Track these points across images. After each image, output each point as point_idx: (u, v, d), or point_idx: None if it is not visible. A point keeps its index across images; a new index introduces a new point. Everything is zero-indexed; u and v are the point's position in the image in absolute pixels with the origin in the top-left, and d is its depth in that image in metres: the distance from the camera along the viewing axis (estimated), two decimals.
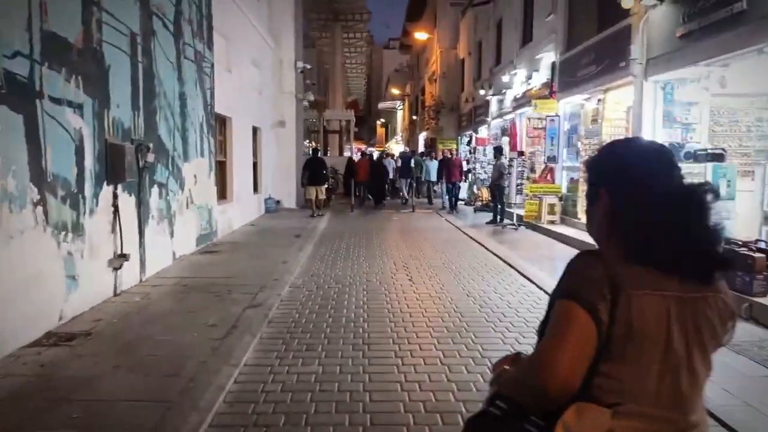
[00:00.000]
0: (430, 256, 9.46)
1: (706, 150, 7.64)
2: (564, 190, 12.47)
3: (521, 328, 5.41)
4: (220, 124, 11.76)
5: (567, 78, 12.01)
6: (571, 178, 12.30)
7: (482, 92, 19.61)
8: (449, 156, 18.13)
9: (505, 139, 16.76)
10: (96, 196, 5.93)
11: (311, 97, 17.83)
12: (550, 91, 13.02)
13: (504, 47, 17.87)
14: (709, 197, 1.30)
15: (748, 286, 5.59)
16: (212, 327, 5.14)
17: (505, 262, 8.84)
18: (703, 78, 7.95)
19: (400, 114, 51.30)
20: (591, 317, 1.22)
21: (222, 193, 11.90)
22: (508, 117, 17.06)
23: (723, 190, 7.43)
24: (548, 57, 13.41)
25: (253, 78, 14.35)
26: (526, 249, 10.00)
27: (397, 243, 10.98)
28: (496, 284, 7.33)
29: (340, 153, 25.71)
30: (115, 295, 6.26)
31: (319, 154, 16.60)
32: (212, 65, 10.34)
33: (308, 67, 17.30)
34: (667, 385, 1.27)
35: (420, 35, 28.16)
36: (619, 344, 1.25)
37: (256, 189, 15.07)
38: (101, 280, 6.03)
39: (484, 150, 18.19)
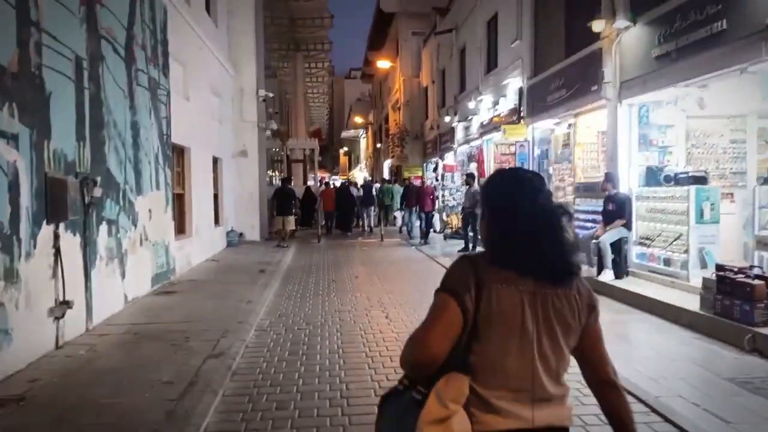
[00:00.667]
0: (405, 289, 8.96)
1: (687, 173, 7.43)
2: None
3: None
4: (177, 155, 11.12)
5: (536, 103, 11.85)
6: None
7: (447, 119, 19.45)
8: (419, 184, 17.62)
9: (473, 165, 16.53)
10: (33, 237, 5.25)
11: (274, 126, 17.32)
12: (518, 116, 12.84)
13: (468, 74, 17.80)
14: (564, 218, 1.64)
15: (748, 316, 5.27)
16: (167, 384, 4.50)
17: None
18: (680, 99, 7.79)
19: (363, 142, 51.20)
20: (457, 304, 1.56)
21: (180, 228, 11.19)
22: (475, 143, 16.87)
23: (707, 214, 7.21)
24: (515, 83, 13.29)
25: (212, 106, 13.78)
26: None
27: (369, 275, 10.45)
28: None
29: (305, 182, 25.17)
30: (57, 348, 5.54)
31: (290, 184, 16.02)
32: (168, 93, 9.76)
33: (270, 95, 16.83)
34: (521, 361, 1.58)
35: (382, 63, 28.09)
36: (484, 327, 1.57)
37: (217, 222, 14.37)
38: (40, 332, 5.32)
39: (452, 176, 17.94)
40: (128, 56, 7.96)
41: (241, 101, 16.51)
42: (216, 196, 14.50)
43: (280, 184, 16.90)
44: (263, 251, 13.89)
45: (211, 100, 13.61)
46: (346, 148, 63.37)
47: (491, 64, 15.59)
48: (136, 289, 8.06)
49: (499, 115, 14.24)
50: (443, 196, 18.96)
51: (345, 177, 51.58)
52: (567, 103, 10.24)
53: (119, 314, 7.11)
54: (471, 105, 16.36)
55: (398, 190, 19.97)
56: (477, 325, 1.57)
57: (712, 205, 7.20)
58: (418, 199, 16.20)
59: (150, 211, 8.72)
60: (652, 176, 8.05)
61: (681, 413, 3.89)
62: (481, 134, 15.95)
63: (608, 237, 7.96)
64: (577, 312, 1.65)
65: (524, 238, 1.59)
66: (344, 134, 53.25)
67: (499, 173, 1.82)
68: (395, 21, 28.57)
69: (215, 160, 14.25)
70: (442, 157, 21.65)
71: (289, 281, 9.80)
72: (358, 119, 46.76)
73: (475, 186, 13.27)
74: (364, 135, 48.65)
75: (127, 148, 7.87)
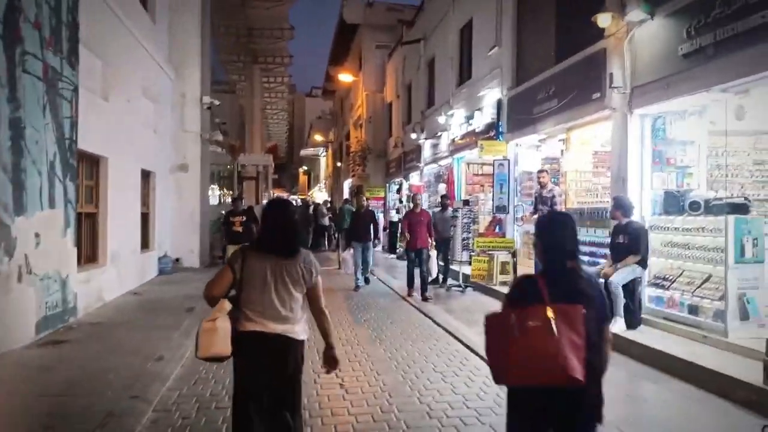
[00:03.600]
0: (365, 337, 7.17)
1: (722, 199, 5.94)
2: (518, 245, 10.64)
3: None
4: (90, 166, 9.13)
5: (518, 116, 10.38)
6: (527, 232, 10.50)
7: (414, 136, 17.92)
8: (412, 207, 10.81)
9: (441, 186, 14.96)
10: None
11: (219, 137, 15.43)
12: (496, 132, 11.36)
13: (438, 87, 16.34)
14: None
15: None
16: None
17: (459, 340, 6.76)
18: (709, 108, 6.35)
19: (323, 161, 49.42)
20: (231, 270, 3.05)
21: (90, 255, 9.16)
22: (444, 162, 15.34)
23: (748, 251, 5.72)
24: (492, 94, 11.83)
25: (144, 112, 11.81)
26: (479, 319, 7.92)
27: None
28: (452, 374, 5.18)
29: (257, 201, 23.17)
30: None
31: (240, 205, 11.91)
32: (76, 88, 7.82)
33: (216, 102, 14.94)
34: (265, 298, 3.03)
35: (344, 77, 26.51)
36: (244, 281, 3.04)
37: (146, 246, 12.30)
38: None
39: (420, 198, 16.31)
40: (8, 32, 6.05)
41: (182, 108, 14.55)
42: (146, 216, 12.46)
43: (230, 204, 13.40)
44: (199, 281, 11.79)
45: (142, 105, 11.65)
46: (305, 167, 61.41)
47: (464, 75, 14.14)
48: (9, 340, 6.05)
49: (473, 131, 12.73)
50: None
51: (304, 196, 49.57)
52: (558, 115, 8.77)
53: None
54: (441, 120, 14.84)
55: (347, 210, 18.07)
56: (241, 281, 3.06)
57: (755, 240, 5.71)
58: (414, 230, 10.09)
59: (37, 235, 6.72)
60: (672, 202, 6.56)
61: None
62: (452, 152, 14.43)
63: (620, 277, 6.38)
64: (301, 274, 3.12)
65: (266, 232, 3.21)
66: (303, 152, 51.38)
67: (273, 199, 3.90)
68: (358, 33, 27.14)
69: (146, 174, 12.24)
70: (406, 177, 20.08)
71: None
72: (318, 137, 45.01)
73: (449, 209, 11.66)
74: (325, 153, 46.93)
75: (0, 152, 5.91)
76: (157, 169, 12.97)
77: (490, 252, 10.45)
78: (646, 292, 6.86)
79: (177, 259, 14.19)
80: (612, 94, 7.26)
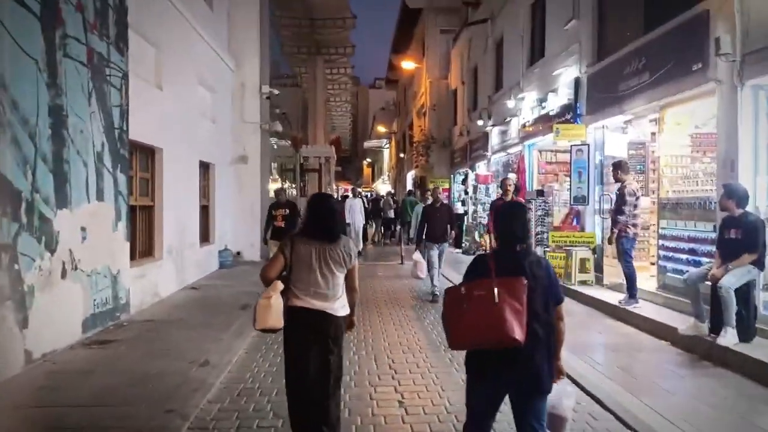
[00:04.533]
0: (428, 342, 6.45)
1: None
2: (599, 240, 9.60)
3: None
4: (144, 157, 8.86)
5: (599, 95, 9.30)
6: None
7: (480, 123, 16.96)
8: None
9: (512, 176, 13.94)
10: None
11: (279, 128, 15.01)
12: (573, 114, 10.30)
13: (506, 69, 15.29)
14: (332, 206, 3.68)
15: None
16: None
17: None
18: None
19: (386, 153, 48.89)
20: (282, 255, 3.44)
21: (146, 249, 8.90)
22: (514, 150, 14.32)
23: None
24: (569, 73, 10.76)
25: (202, 102, 11.54)
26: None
27: (381, 321, 7.95)
28: None
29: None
30: None
31: (284, 196, 10.79)
32: (125, 75, 7.49)
33: (275, 92, 14.54)
34: (312, 278, 3.42)
35: (407, 64, 25.73)
36: (293, 263, 3.44)
37: (206, 239, 12.08)
38: None
39: (487, 189, 15.40)
40: (48, 13, 5.70)
41: (242, 99, 14.26)
42: (206, 209, 12.24)
43: (274, 196, 11.62)
44: (258, 275, 11.47)
45: (200, 95, 11.37)
46: (369, 160, 61.12)
47: (536, 54, 13.07)
48: (53, 339, 5.75)
49: (546, 115, 11.70)
50: (475, 212, 16.43)
51: (369, 189, 49.21)
52: (650, 91, 7.68)
53: (13, 383, 4.80)
54: (510, 104, 13.84)
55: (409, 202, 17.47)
56: (291, 263, 3.46)
57: None
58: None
59: (83, 229, 6.40)
60: None
61: None
62: (522, 139, 13.41)
63: (733, 280, 5.35)
64: (343, 257, 3.50)
65: (313, 223, 3.59)
66: (366, 144, 50.97)
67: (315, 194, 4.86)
68: (422, 18, 26.25)
69: (205, 166, 12.00)
70: (472, 167, 19.11)
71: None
72: (382, 128, 44.50)
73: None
74: (388, 145, 46.34)
75: (40, 141, 5.57)
76: (217, 161, 12.72)
77: (567, 248, 9.46)
78: (762, 298, 5.77)
79: (238, 253, 13.97)
80: (718, 64, 6.16)
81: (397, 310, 8.40)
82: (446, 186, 23.04)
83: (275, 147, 21.63)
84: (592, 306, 8.40)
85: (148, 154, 8.92)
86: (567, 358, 5.84)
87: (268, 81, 14.51)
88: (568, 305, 7.64)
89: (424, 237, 9.14)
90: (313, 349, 3.42)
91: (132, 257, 8.24)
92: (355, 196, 18.47)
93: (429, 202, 10.21)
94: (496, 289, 2.60)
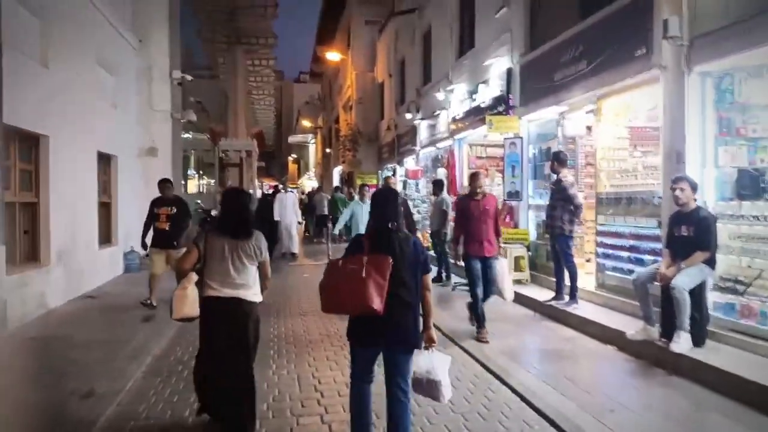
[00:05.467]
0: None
1: None
2: (533, 237, 9.23)
3: None
4: (27, 146, 7.60)
5: (535, 85, 8.91)
6: (544, 220, 9.09)
7: (408, 116, 16.43)
8: (469, 191, 6.80)
9: (441, 171, 13.50)
10: None
11: (192, 117, 13.80)
12: (506, 106, 9.89)
13: (435, 61, 14.82)
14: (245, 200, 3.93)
15: None
16: None
17: (483, 366, 5.33)
18: None
19: (312, 148, 47.77)
20: (197, 247, 3.65)
21: (29, 253, 7.65)
22: (444, 144, 13.86)
23: None
24: (500, 63, 10.35)
25: (99, 85, 10.23)
26: (500, 331, 6.51)
27: (310, 340, 7.15)
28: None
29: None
30: None
31: (170, 191, 7.98)
32: None
33: (188, 78, 13.32)
34: (223, 269, 3.65)
35: (332, 56, 24.90)
36: (207, 256, 3.66)
37: (107, 240, 10.79)
38: None
39: (416, 185, 14.88)
40: None
41: (149, 84, 12.95)
42: (106, 206, 10.93)
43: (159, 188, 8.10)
44: (168, 280, 10.25)
45: (97, 76, 10.08)
46: (294, 155, 59.67)
47: (466, 44, 12.64)
48: None
49: (477, 108, 11.26)
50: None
51: (294, 185, 47.77)
52: (588, 80, 7.31)
53: None
54: (440, 96, 13.36)
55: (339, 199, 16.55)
56: (205, 255, 3.67)
57: None
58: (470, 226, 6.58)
59: None
60: (748, 183, 5.16)
61: None
62: (452, 133, 12.95)
63: (686, 280, 4.97)
64: (252, 249, 3.72)
65: (225, 218, 3.89)
66: (291, 139, 49.66)
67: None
68: (347, 8, 25.50)
69: (105, 157, 10.69)
70: (400, 162, 18.60)
71: (184, 336, 6.40)
72: (307, 123, 43.38)
73: (443, 195, 10.23)
74: (314, 140, 45.26)
75: None
76: (121, 153, 11.41)
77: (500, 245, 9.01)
78: (711, 298, 5.46)
79: (147, 254, 12.65)
80: (663, 48, 5.81)
81: (327, 323, 7.63)
82: (374, 182, 22.47)
83: (191, 139, 20.24)
84: (529, 307, 7.98)
85: (30, 142, 7.66)
86: (507, 366, 5.34)
87: (179, 66, 13.26)
88: (502, 306, 7.19)
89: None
90: (225, 331, 3.66)
91: (11, 262, 7.04)
92: (286, 190, 16.29)
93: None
94: (365, 266, 3.04)
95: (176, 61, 13.32)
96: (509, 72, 9.93)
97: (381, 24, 21.96)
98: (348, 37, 26.06)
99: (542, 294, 8.18)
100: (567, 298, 7.14)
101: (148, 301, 7.79)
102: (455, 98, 12.82)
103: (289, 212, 14.03)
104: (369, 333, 3.18)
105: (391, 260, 3.06)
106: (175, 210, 7.78)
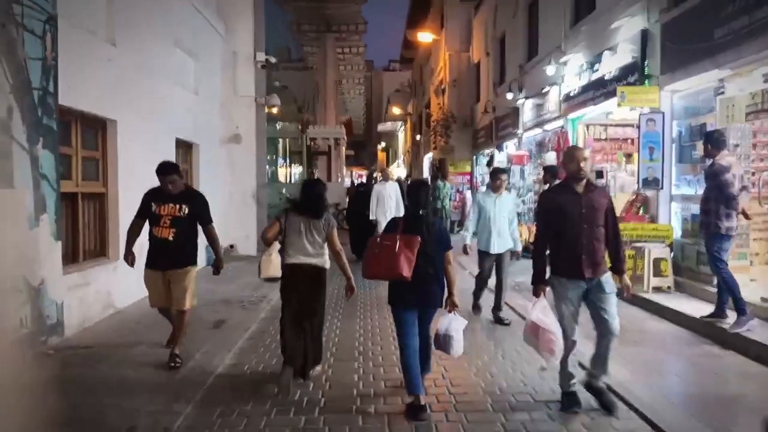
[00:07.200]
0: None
1: None
2: (677, 235, 7.49)
3: None
4: (93, 132, 6.90)
5: (683, 47, 7.13)
6: (693, 215, 7.31)
7: (510, 96, 14.79)
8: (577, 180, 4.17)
9: (550, 156, 11.81)
10: None
11: (277, 102, 12.95)
12: (640, 75, 8.15)
13: (542, 33, 13.09)
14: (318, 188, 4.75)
15: None
16: None
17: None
18: None
19: (401, 136, 46.71)
20: (278, 222, 4.63)
21: (96, 249, 6.99)
22: (553, 125, 12.17)
23: None
24: (633, 24, 8.59)
25: (178, 69, 9.53)
26: (635, 351, 4.97)
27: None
28: None
29: (329, 178, 20.85)
30: None
31: (178, 182, 5.16)
32: (50, 18, 5.49)
33: (272, 59, 12.48)
34: (301, 242, 4.57)
35: (424, 36, 23.48)
36: (287, 230, 4.60)
37: None
38: None
39: (522, 171, 13.25)
40: None
41: (234, 70, 12.24)
42: None
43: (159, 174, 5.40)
44: (251, 274, 9.45)
45: (175, 60, 9.37)
46: (383, 144, 58.93)
47: (582, 9, 10.87)
48: None
49: (600, 80, 9.53)
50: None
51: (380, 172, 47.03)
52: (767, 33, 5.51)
53: None
54: (549, 71, 11.68)
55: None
56: (285, 230, 4.59)
57: None
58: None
59: None
60: None
61: None
62: (565, 111, 11.25)
63: None
64: (323, 227, 4.59)
65: (301, 201, 4.68)
66: (380, 127, 48.81)
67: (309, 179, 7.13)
68: None
69: (185, 145, 10.05)
70: (499, 147, 16.97)
71: (254, 351, 5.37)
72: (396, 110, 42.23)
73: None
74: (403, 128, 44.14)
75: None
76: (203, 141, 10.76)
77: (636, 244, 7.36)
78: None
79: (231, 246, 12.04)
80: None
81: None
82: (468, 169, 20.99)
83: (279, 128, 19.69)
84: (675, 323, 6.34)
85: (96, 127, 6.96)
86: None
87: (264, 48, 12.44)
88: (643, 322, 5.66)
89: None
90: (301, 290, 4.59)
91: (73, 260, 6.41)
92: (386, 179, 11.73)
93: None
94: (398, 242, 3.91)
95: (260, 43, 12.51)
96: (644, 34, 8.16)
97: (477, 1, 20.31)
98: (441, 18, 24.55)
99: (691, 306, 6.54)
100: (731, 315, 5.47)
101: (176, 360, 5.05)
102: (569, 72, 11.09)
103: (391, 206, 10.82)
104: (407, 297, 4.04)
105: (419, 239, 3.91)
106: (186, 210, 5.13)
